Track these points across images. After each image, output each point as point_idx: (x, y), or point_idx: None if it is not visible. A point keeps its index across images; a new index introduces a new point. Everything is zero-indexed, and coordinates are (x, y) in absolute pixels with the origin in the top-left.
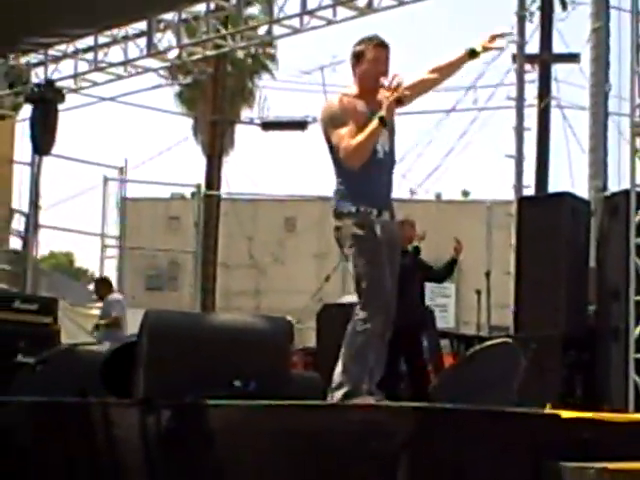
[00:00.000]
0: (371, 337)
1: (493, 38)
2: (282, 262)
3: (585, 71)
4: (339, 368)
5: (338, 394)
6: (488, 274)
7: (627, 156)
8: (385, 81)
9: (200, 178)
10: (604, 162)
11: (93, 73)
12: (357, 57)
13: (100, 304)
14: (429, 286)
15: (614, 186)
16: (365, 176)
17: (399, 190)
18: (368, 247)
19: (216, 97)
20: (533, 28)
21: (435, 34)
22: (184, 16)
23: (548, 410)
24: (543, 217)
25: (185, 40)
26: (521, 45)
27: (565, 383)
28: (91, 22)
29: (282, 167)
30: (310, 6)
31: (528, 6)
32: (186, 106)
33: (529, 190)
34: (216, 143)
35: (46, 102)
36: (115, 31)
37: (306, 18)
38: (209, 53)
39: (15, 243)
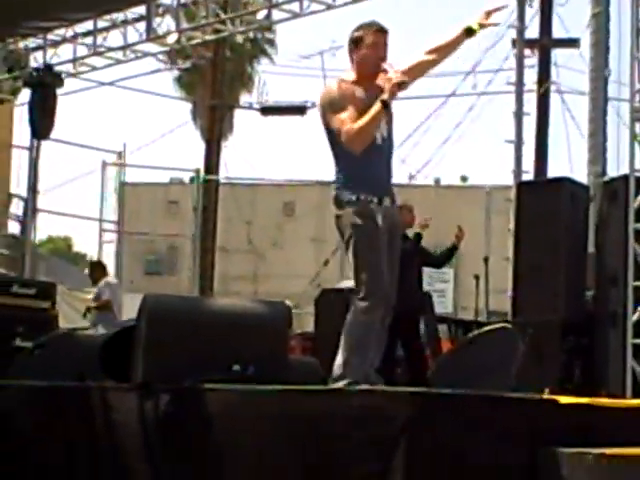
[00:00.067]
0: (371, 328)
1: (488, 14)
2: (281, 247)
3: (585, 56)
4: (339, 360)
5: (339, 386)
6: (487, 259)
7: (626, 141)
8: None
9: (199, 163)
10: (603, 147)
11: (92, 57)
12: (355, 42)
13: None
14: (427, 271)
15: (613, 171)
16: (365, 163)
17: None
18: (368, 237)
19: (215, 82)
20: (533, 13)
21: (435, 19)
22: (183, 0)
23: (546, 395)
24: (542, 202)
25: (184, 24)
26: (521, 30)
27: (564, 368)
28: (90, 6)
29: (281, 152)
30: None
31: None
32: (185, 91)
33: (528, 175)
34: (215, 128)
35: (45, 86)
36: (114, 15)
37: (305, 2)
38: (208, 38)
39: (13, 227)
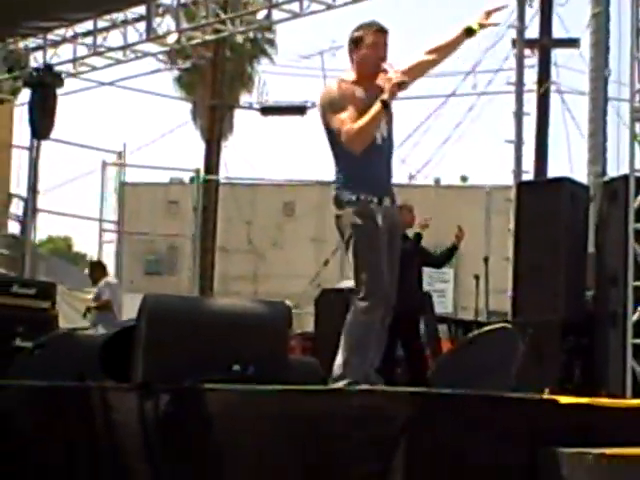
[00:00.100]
0: (371, 328)
1: (488, 14)
2: (281, 247)
3: (585, 56)
4: (339, 360)
5: (339, 386)
6: (487, 259)
7: (626, 141)
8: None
9: (199, 163)
10: (603, 147)
11: (92, 57)
12: (355, 42)
13: None
14: (427, 271)
15: (613, 171)
16: (365, 163)
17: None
18: (368, 237)
19: (215, 82)
20: (533, 13)
21: (435, 19)
22: (183, 0)
23: (546, 395)
24: (542, 202)
25: (184, 25)
26: (521, 30)
27: (564, 368)
28: (90, 6)
29: (281, 152)
30: None
31: None
32: (185, 91)
33: (528, 175)
34: (215, 128)
35: (45, 86)
36: (114, 15)
37: (305, 2)
38: (208, 38)
39: (13, 227)
